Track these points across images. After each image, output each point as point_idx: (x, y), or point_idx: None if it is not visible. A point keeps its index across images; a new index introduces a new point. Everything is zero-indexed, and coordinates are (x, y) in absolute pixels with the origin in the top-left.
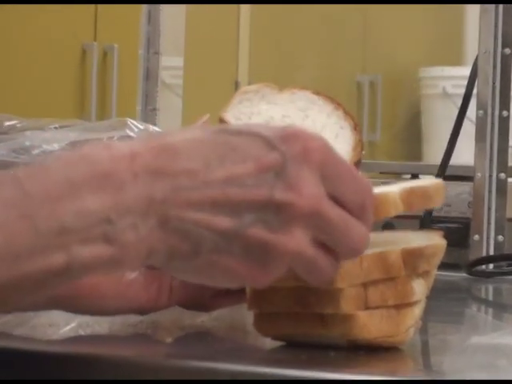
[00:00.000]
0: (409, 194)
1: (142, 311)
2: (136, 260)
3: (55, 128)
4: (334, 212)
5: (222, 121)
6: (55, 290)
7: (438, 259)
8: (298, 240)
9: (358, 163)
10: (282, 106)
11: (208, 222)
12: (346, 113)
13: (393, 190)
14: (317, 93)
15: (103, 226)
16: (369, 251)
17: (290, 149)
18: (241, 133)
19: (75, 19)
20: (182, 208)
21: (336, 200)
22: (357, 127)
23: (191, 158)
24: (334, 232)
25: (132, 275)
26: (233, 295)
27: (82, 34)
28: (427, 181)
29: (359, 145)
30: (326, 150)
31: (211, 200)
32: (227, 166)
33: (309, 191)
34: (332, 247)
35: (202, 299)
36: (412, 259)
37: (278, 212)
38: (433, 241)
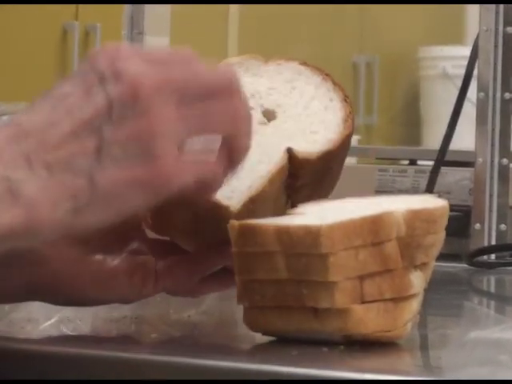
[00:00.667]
0: (413, 217)
1: (125, 300)
2: (49, 215)
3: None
4: (178, 71)
5: None
6: None
7: (439, 243)
8: (159, 112)
9: (349, 136)
10: (267, 78)
11: (79, 148)
12: (335, 84)
13: (397, 208)
14: (304, 63)
15: (3, 183)
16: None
17: (99, 59)
18: (56, 86)
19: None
20: (52, 150)
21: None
22: (347, 99)
23: (35, 120)
24: (191, 80)
25: (114, 263)
26: (221, 279)
27: (62, 12)
28: (431, 201)
29: (350, 117)
30: (133, 48)
31: (70, 132)
32: (63, 106)
33: (134, 72)
34: (209, 93)
35: (188, 285)
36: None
37: (123, 105)
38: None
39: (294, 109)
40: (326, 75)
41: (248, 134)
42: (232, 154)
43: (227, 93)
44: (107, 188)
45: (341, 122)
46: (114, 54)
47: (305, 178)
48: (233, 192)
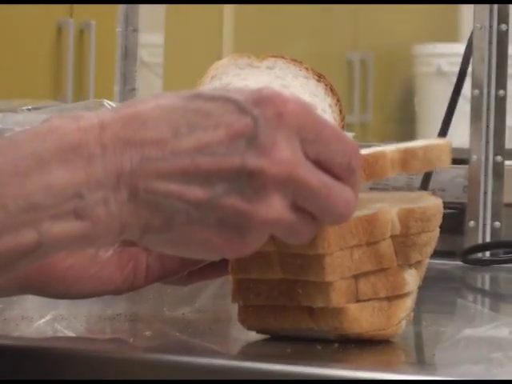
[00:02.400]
0: (408, 216)
1: (118, 292)
2: (109, 236)
3: (28, 110)
4: (314, 177)
5: None
6: (26, 268)
7: (433, 241)
8: (275, 208)
9: (340, 127)
10: (259, 75)
11: (179, 192)
12: (329, 86)
13: (391, 207)
14: (299, 63)
15: (74, 201)
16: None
17: (263, 113)
18: (213, 98)
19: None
20: (151, 179)
21: (321, 164)
22: (339, 102)
23: (160, 126)
24: (315, 198)
25: (106, 255)
26: (214, 268)
27: (57, 9)
28: (425, 198)
29: (341, 118)
30: (304, 112)
31: (181, 170)
32: (197, 134)
33: (281, 156)
34: (316, 214)
35: (180, 273)
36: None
37: (250, 180)
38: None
39: None
40: (320, 76)
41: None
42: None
43: (327, 222)
44: (180, 238)
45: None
46: (282, 116)
47: None
48: None
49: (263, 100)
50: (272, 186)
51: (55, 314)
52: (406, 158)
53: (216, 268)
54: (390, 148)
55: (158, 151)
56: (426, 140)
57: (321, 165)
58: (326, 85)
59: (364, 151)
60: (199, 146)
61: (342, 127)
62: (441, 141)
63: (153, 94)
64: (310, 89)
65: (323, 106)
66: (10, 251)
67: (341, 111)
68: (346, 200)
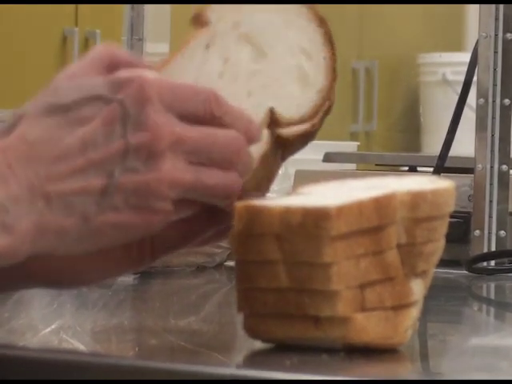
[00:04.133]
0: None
1: (125, 273)
2: (30, 247)
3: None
4: (193, 131)
5: (197, 21)
6: None
7: (439, 250)
8: (166, 169)
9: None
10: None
11: (83, 187)
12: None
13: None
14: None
15: (0, 215)
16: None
17: (126, 94)
18: (77, 103)
19: (56, 3)
20: (58, 183)
21: (190, 120)
22: (331, 40)
23: (47, 143)
24: (205, 148)
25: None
26: (219, 232)
27: (62, 18)
28: (436, 182)
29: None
30: (159, 81)
31: (78, 168)
32: (78, 134)
33: (155, 123)
34: (212, 162)
35: (185, 247)
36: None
37: (137, 155)
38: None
39: (281, 58)
40: (321, 21)
41: (226, 206)
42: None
43: (228, 164)
44: (97, 229)
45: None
46: (142, 90)
47: (289, 151)
48: None
49: (122, 83)
50: (158, 153)
51: (61, 323)
52: (417, 202)
53: (220, 231)
54: (399, 188)
55: (53, 159)
56: (431, 181)
57: (190, 121)
58: (326, 33)
59: (375, 191)
60: (83, 142)
61: (334, 80)
62: (446, 183)
63: (17, 111)
64: (308, 35)
65: (318, 58)
66: None
67: (334, 69)
68: (233, 137)
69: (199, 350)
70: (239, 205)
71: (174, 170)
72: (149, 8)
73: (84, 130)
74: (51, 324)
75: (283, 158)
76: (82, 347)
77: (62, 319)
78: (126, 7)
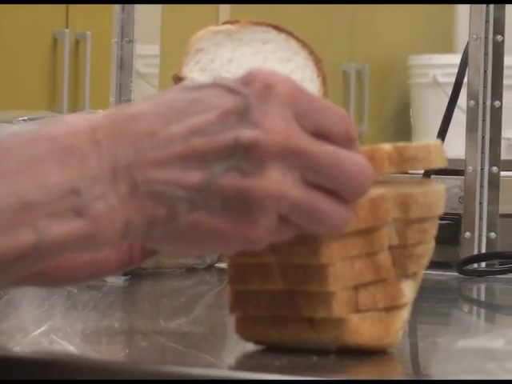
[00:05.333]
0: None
1: (115, 273)
2: (112, 234)
3: (24, 120)
4: (316, 146)
5: (177, 80)
6: (27, 271)
7: (430, 252)
8: (275, 180)
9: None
10: (246, 45)
11: (177, 179)
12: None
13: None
14: (284, 31)
15: (71, 197)
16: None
17: (252, 89)
18: (200, 87)
19: (46, 5)
20: (148, 169)
21: (319, 136)
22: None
23: (150, 119)
24: (324, 168)
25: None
26: None
27: (53, 20)
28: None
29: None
30: (293, 85)
31: (176, 155)
32: (188, 120)
33: (275, 124)
34: (332, 188)
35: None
36: (408, 205)
37: (247, 154)
38: (430, 187)
39: None
40: (304, 44)
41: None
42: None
43: (349, 196)
44: (187, 229)
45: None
46: (271, 87)
47: None
48: None
49: (252, 78)
50: (269, 158)
51: (51, 324)
52: (408, 204)
53: None
54: (389, 189)
55: (150, 141)
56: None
57: (319, 137)
58: (310, 54)
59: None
60: (191, 129)
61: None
62: (437, 185)
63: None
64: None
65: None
66: (6, 252)
67: (324, 84)
68: (358, 163)
69: (190, 352)
70: None
71: (283, 181)
72: (139, 10)
73: (197, 116)
74: (41, 325)
75: None
76: (72, 349)
77: (53, 321)
78: (117, 9)
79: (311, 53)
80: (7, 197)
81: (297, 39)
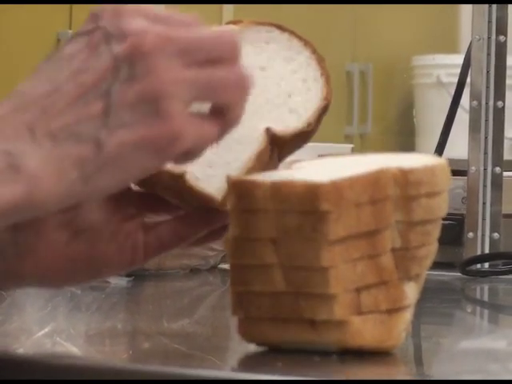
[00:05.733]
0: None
1: (116, 274)
2: (52, 188)
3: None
4: (180, 30)
5: None
6: None
7: (432, 254)
8: (164, 69)
9: (325, 108)
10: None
11: (85, 113)
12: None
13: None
14: (288, 31)
15: (5, 158)
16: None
17: (104, 18)
18: (59, 49)
19: (50, 5)
20: (57, 117)
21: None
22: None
23: (39, 85)
24: (196, 45)
25: (102, 243)
26: (214, 232)
27: (56, 21)
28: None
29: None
30: (133, 5)
31: (75, 97)
32: (66, 69)
33: (137, 27)
34: (211, 58)
35: (177, 246)
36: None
37: (129, 63)
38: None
39: (269, 80)
40: (306, 43)
41: (244, 103)
42: (226, 122)
43: (230, 59)
44: (115, 151)
45: (319, 95)
46: (117, 10)
47: (286, 151)
48: (213, 170)
49: (97, 14)
50: (148, 54)
51: (54, 326)
52: (410, 206)
53: (214, 232)
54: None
55: (48, 98)
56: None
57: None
58: (313, 53)
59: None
60: (73, 73)
61: (328, 103)
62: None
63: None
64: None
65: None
66: None
67: (328, 83)
68: (224, 30)
69: (193, 353)
70: (231, 180)
71: (171, 68)
72: None
73: (71, 64)
74: (45, 327)
75: (280, 158)
76: (75, 350)
77: (56, 322)
78: None
79: (314, 52)
80: None
81: (299, 38)
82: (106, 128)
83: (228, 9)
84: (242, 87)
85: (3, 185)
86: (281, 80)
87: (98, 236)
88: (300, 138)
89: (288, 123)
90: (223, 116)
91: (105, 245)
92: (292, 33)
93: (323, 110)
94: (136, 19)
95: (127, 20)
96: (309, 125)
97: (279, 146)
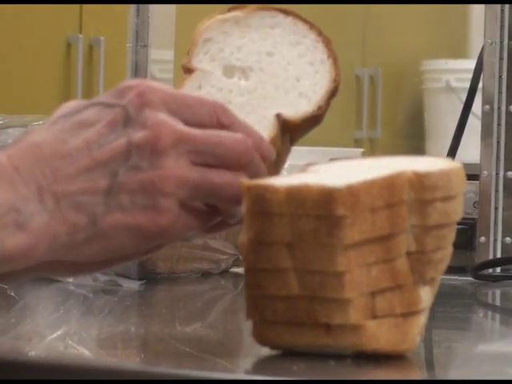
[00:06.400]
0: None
1: (133, 259)
2: (48, 246)
3: (39, 125)
4: (198, 131)
5: (186, 70)
6: None
7: (447, 258)
8: (171, 167)
9: (334, 91)
10: (255, 31)
11: (90, 187)
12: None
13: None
14: (294, 15)
15: (12, 214)
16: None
17: (127, 99)
18: (77, 110)
19: (60, 10)
20: (64, 183)
21: (196, 126)
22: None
23: (49, 143)
24: (208, 147)
25: None
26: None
27: (66, 25)
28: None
29: (336, 71)
30: (162, 88)
31: (83, 168)
32: (81, 136)
33: (157, 121)
34: (218, 163)
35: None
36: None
37: (141, 152)
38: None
39: (277, 65)
40: (312, 26)
41: (238, 205)
42: (215, 216)
43: (237, 167)
44: (107, 229)
45: (327, 78)
46: (142, 95)
47: (297, 135)
48: None
49: (123, 90)
50: (161, 150)
51: (67, 329)
52: (426, 210)
53: (223, 221)
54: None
55: (59, 161)
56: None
57: (196, 127)
58: (319, 35)
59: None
60: (88, 143)
61: (337, 84)
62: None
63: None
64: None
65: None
66: None
67: (335, 65)
68: (240, 138)
69: (205, 357)
70: (245, 184)
71: (178, 167)
72: (154, 14)
73: (88, 132)
74: (57, 330)
75: (292, 142)
76: (87, 353)
77: (68, 325)
78: (131, 14)
79: (320, 34)
80: None
81: (304, 21)
82: (104, 206)
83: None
84: (236, 191)
85: (7, 237)
86: (288, 64)
87: None
88: (311, 122)
89: (298, 107)
90: (215, 212)
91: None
92: (296, 16)
93: (333, 93)
94: (158, 111)
95: (149, 110)
96: (319, 108)
97: (291, 131)
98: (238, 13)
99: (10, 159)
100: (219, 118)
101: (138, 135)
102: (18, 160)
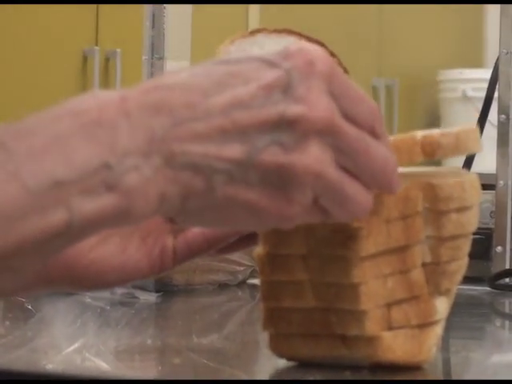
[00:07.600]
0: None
1: (145, 278)
2: (145, 207)
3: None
4: (352, 129)
5: None
6: (58, 252)
7: (463, 269)
8: (316, 157)
9: None
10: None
11: (217, 152)
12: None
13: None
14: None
15: (102, 172)
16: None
17: (293, 63)
18: (237, 60)
19: (76, 22)
20: (187, 141)
21: (348, 120)
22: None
23: (187, 90)
24: (354, 152)
25: (131, 246)
26: (241, 240)
27: (82, 38)
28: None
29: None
30: (330, 63)
31: (217, 128)
32: (228, 92)
33: (320, 101)
34: (356, 173)
35: (206, 252)
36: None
37: (290, 129)
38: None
39: None
40: (309, 39)
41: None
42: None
43: (372, 183)
44: (224, 201)
45: None
46: (314, 64)
47: None
48: None
49: (292, 53)
50: (312, 134)
51: (84, 341)
52: (441, 221)
53: (243, 240)
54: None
55: (190, 113)
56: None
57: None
58: (338, 64)
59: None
60: (232, 102)
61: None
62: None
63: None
64: None
65: None
66: (39, 234)
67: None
68: (384, 154)
69: (222, 368)
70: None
71: (324, 159)
72: (169, 26)
73: (238, 89)
74: (74, 343)
75: None
76: (105, 366)
77: (85, 338)
78: (147, 26)
79: (339, 63)
80: (36, 177)
81: (307, 38)
82: (227, 176)
83: (254, 9)
84: (362, 212)
85: (88, 202)
86: None
87: (127, 240)
88: None
89: None
90: (328, 213)
91: (134, 248)
92: (299, 35)
93: None
94: (321, 89)
95: (313, 84)
96: None
97: None
98: (257, 35)
99: (123, 101)
100: (374, 124)
101: (294, 109)
102: (134, 103)
